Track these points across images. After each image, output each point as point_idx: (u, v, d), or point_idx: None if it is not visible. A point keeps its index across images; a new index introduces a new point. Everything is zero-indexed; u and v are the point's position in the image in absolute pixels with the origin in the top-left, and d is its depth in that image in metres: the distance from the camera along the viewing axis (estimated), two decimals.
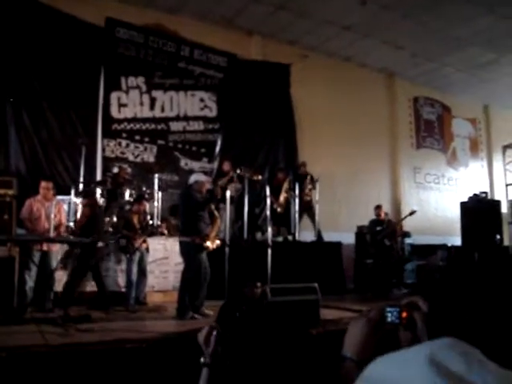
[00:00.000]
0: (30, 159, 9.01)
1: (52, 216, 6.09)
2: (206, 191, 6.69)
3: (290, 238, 10.17)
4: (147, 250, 7.44)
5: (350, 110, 12.70)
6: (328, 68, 12.53)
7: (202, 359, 1.76)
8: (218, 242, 6.65)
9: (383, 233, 9.46)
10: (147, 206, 7.96)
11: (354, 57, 12.84)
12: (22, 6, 9.07)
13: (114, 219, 7.94)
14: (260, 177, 9.66)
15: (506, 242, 11.07)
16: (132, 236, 7.16)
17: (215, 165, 10.97)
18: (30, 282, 6.06)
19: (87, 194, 7.81)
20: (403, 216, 10.74)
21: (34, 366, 3.90)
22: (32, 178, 8.44)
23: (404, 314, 1.04)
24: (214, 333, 1.78)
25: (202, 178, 6.82)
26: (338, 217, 11.76)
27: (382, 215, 9.84)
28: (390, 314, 1.06)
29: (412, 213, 9.70)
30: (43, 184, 6.52)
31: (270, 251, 7.37)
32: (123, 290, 7.21)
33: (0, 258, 6.32)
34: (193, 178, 6.71)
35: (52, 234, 6.06)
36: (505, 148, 12.92)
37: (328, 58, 12.64)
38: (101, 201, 8.20)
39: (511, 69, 13.19)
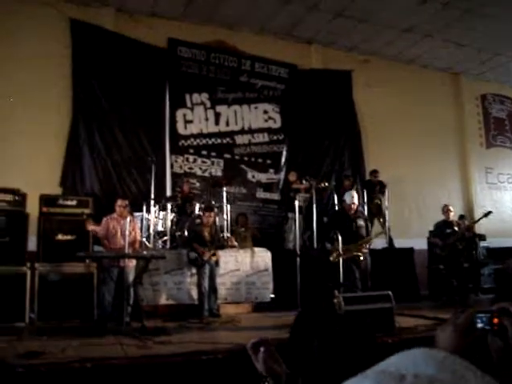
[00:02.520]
0: (103, 179, 9.38)
1: (127, 233, 6.26)
2: None
3: None
4: (217, 263, 7.46)
5: (415, 113, 12.43)
6: (390, 71, 12.32)
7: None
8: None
9: (455, 235, 8.78)
10: (217, 218, 8.06)
11: (416, 58, 12.56)
12: (92, 32, 9.54)
13: (186, 233, 8.11)
14: (327, 184, 9.59)
15: None
16: (200, 249, 7.27)
17: (282, 175, 11.01)
18: (109, 297, 6.27)
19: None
20: (477, 218, 10.24)
21: (115, 376, 4.04)
22: (105, 197, 8.82)
23: (495, 320, 0.99)
24: (262, 349, 1.54)
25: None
26: (409, 222, 11.46)
27: (451, 216, 9.03)
28: (479, 320, 1.02)
29: (487, 214, 8.83)
30: (119, 202, 6.71)
31: (341, 260, 7.29)
32: (196, 302, 7.34)
33: (80, 274, 6.63)
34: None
35: (127, 250, 6.24)
36: None
37: (390, 62, 12.43)
38: (172, 215, 8.41)
39: None
